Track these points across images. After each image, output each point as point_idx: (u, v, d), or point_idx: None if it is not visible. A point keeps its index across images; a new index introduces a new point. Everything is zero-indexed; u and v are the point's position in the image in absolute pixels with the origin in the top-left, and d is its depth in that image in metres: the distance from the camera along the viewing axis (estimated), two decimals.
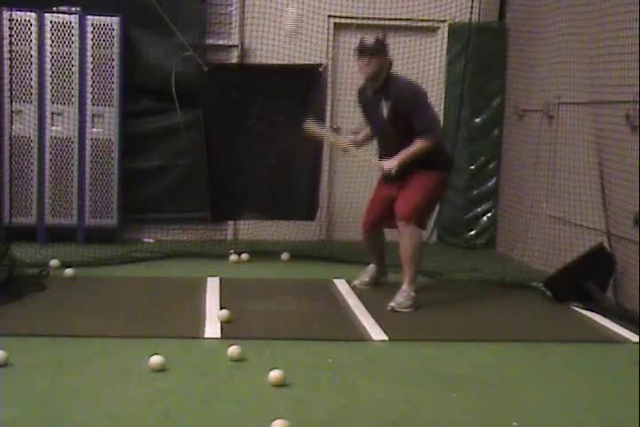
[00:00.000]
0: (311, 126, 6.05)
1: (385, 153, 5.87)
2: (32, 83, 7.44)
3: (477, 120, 8.15)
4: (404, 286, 5.74)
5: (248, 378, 4.23)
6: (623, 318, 5.54)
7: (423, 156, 5.67)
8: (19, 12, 7.22)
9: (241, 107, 7.30)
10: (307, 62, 7.68)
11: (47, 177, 7.54)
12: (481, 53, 7.91)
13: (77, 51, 7.45)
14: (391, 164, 5.68)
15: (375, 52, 5.69)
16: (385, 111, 5.73)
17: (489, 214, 8.27)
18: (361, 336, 5.08)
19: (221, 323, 5.16)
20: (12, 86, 7.13)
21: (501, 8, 8.10)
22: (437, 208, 7.49)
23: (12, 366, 4.24)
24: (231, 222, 8.15)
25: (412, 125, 5.65)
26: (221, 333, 5.00)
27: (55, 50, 7.44)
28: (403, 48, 8.08)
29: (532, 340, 5.14)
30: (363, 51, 5.72)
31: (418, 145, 5.66)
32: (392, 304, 5.65)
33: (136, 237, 7.93)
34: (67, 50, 7.45)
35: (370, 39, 5.76)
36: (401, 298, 5.68)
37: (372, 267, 6.33)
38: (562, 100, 6.80)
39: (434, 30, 8.32)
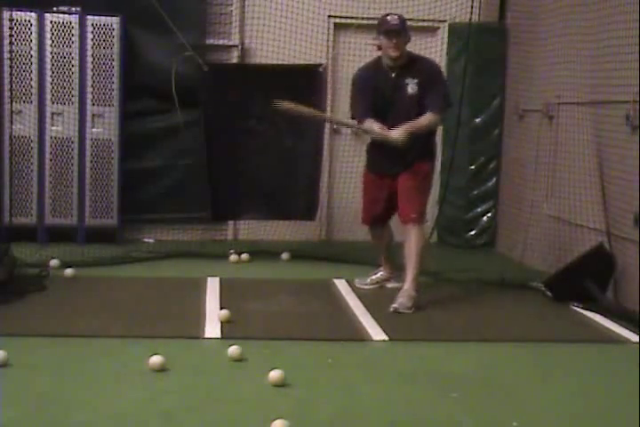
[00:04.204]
0: (286, 105, 5.77)
1: (382, 154, 5.87)
2: (32, 83, 7.43)
3: (477, 120, 8.15)
4: (406, 286, 5.72)
5: (248, 378, 4.23)
6: (623, 318, 5.54)
7: (423, 143, 5.71)
8: (19, 12, 7.21)
9: (241, 107, 7.30)
10: (307, 62, 7.68)
11: (47, 177, 7.54)
12: (481, 53, 7.90)
13: (77, 51, 7.45)
14: (399, 133, 5.58)
15: (402, 32, 5.67)
16: (411, 89, 5.70)
17: (489, 214, 8.26)
18: (361, 336, 5.07)
19: (221, 323, 5.16)
20: (12, 86, 7.13)
21: (501, 8, 8.09)
22: (437, 209, 7.54)
23: (11, 366, 4.23)
24: (231, 222, 8.15)
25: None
26: (221, 333, 4.99)
27: (55, 50, 7.44)
28: None
29: (532, 340, 5.13)
30: (390, 32, 5.65)
31: (428, 118, 5.68)
32: (395, 305, 5.62)
33: (136, 237, 7.93)
34: (67, 50, 7.45)
35: (393, 17, 5.71)
36: (403, 299, 5.65)
37: (380, 271, 6.33)
38: (562, 100, 6.79)
39: (434, 30, 8.32)
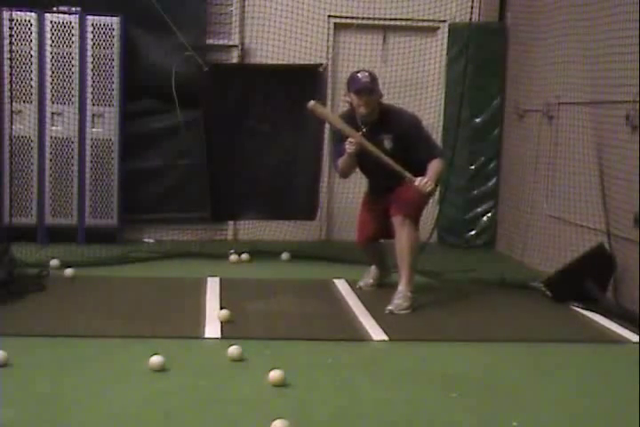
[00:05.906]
0: (318, 107, 5.77)
1: (375, 186, 5.98)
2: (32, 83, 7.44)
3: (477, 120, 8.15)
4: (401, 287, 5.71)
5: (248, 378, 4.23)
6: (623, 318, 5.54)
7: (411, 172, 5.60)
8: (19, 12, 7.22)
9: (241, 107, 7.30)
10: (307, 62, 7.68)
11: (47, 177, 7.54)
12: (481, 53, 7.90)
13: (77, 51, 7.45)
14: (425, 181, 5.47)
15: (372, 90, 5.58)
16: (387, 144, 5.64)
17: (489, 214, 8.27)
18: (361, 336, 5.07)
19: (221, 323, 5.16)
20: (12, 86, 7.13)
21: (501, 8, 8.10)
22: (437, 209, 7.55)
23: (11, 366, 4.24)
24: (231, 222, 8.15)
25: (411, 154, 5.61)
26: (221, 333, 5.00)
27: (55, 50, 7.44)
28: (403, 48, 8.10)
29: (532, 340, 5.14)
30: (361, 91, 5.56)
31: (439, 165, 5.65)
32: (390, 307, 5.61)
33: (136, 237, 7.93)
34: (67, 50, 7.45)
35: (364, 75, 5.60)
36: (398, 300, 5.65)
37: (374, 268, 6.33)
38: (562, 100, 6.80)
39: (434, 30, 8.32)
